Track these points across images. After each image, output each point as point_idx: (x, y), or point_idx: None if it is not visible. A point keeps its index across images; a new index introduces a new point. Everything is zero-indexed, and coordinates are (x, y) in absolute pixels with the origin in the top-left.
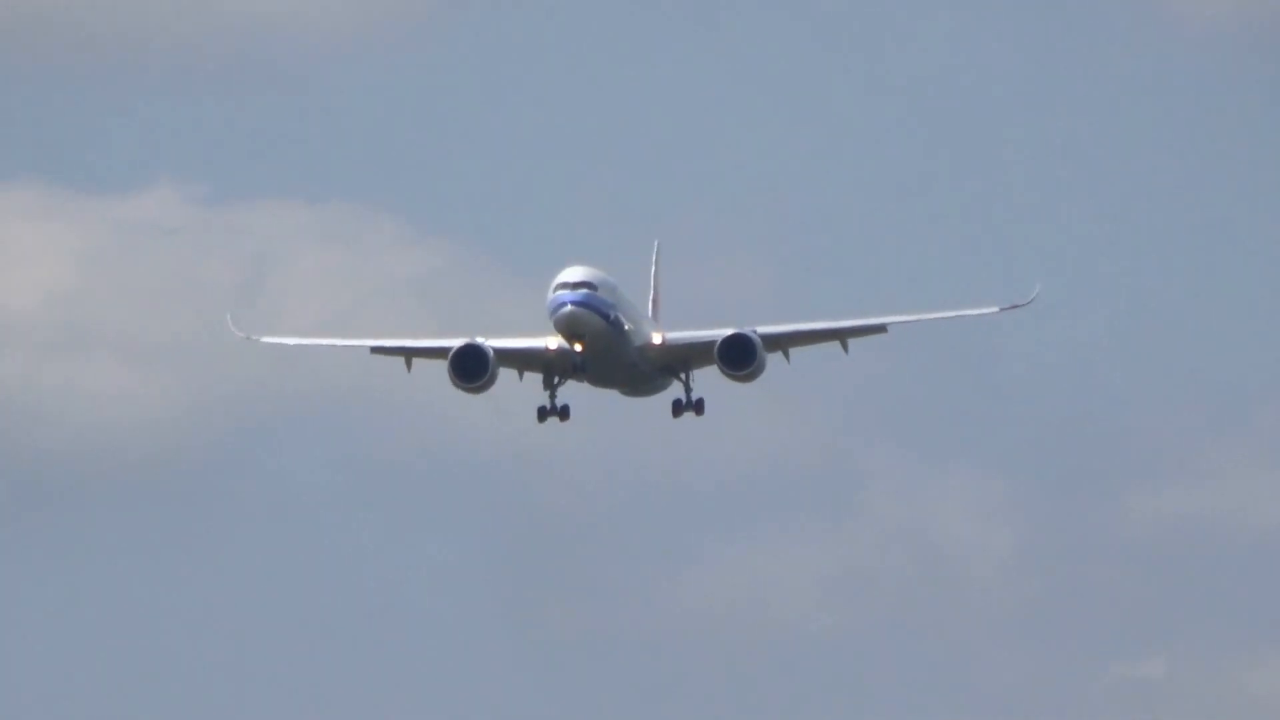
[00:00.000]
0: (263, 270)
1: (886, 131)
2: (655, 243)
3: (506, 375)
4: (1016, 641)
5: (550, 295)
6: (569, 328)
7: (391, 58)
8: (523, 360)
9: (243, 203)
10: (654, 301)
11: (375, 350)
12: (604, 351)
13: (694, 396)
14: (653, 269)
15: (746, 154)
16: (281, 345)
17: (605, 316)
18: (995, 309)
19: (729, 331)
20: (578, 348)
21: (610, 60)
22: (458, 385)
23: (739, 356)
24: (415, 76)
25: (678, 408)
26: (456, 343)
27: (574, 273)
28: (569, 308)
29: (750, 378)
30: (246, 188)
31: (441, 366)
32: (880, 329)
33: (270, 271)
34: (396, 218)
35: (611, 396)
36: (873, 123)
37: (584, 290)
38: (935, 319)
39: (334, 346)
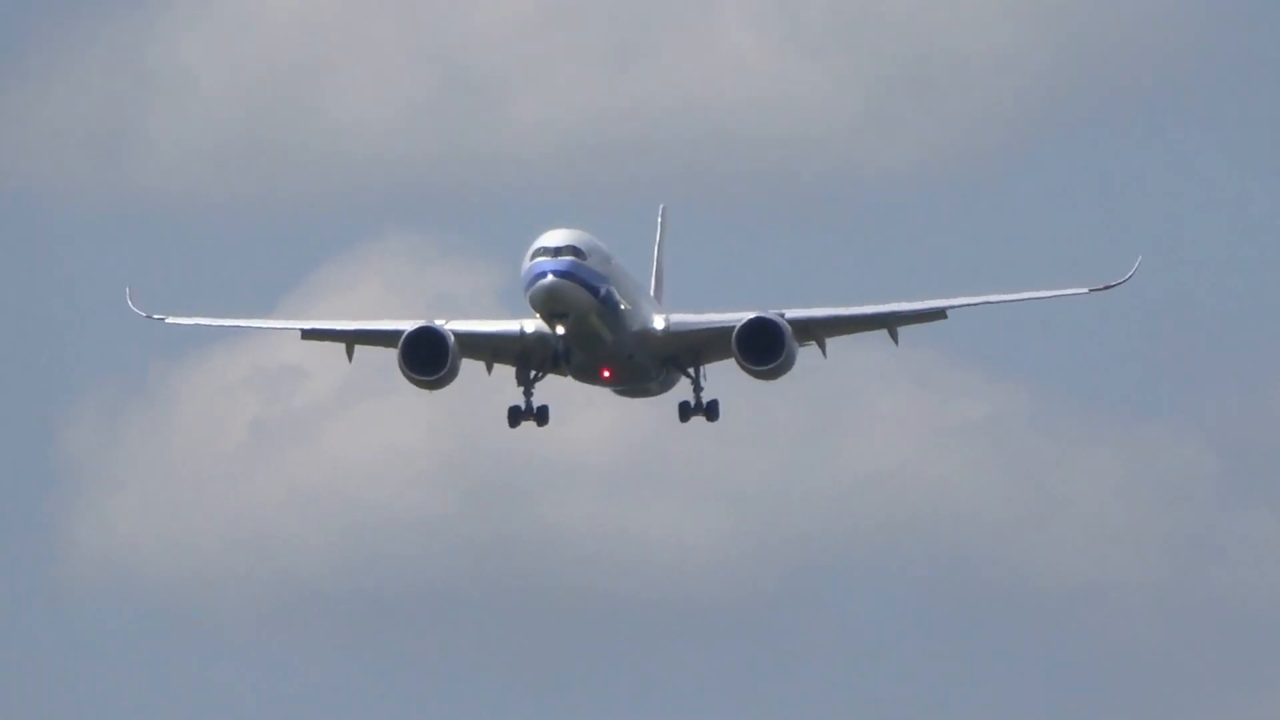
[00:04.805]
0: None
1: (933, 100)
2: (660, 207)
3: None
4: None
5: (526, 264)
6: (548, 303)
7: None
8: (491, 348)
9: None
10: (657, 279)
11: (307, 335)
12: (592, 336)
13: (705, 397)
14: (657, 240)
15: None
16: (192, 326)
17: (594, 291)
18: (1084, 290)
19: (750, 315)
20: (559, 330)
21: None
22: (410, 378)
23: (763, 347)
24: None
25: (685, 410)
26: (409, 325)
27: (556, 236)
28: (549, 278)
29: (775, 374)
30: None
31: (390, 356)
32: (939, 314)
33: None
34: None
35: (602, 395)
36: (916, 88)
37: (568, 258)
38: (1009, 302)
39: (253, 329)
